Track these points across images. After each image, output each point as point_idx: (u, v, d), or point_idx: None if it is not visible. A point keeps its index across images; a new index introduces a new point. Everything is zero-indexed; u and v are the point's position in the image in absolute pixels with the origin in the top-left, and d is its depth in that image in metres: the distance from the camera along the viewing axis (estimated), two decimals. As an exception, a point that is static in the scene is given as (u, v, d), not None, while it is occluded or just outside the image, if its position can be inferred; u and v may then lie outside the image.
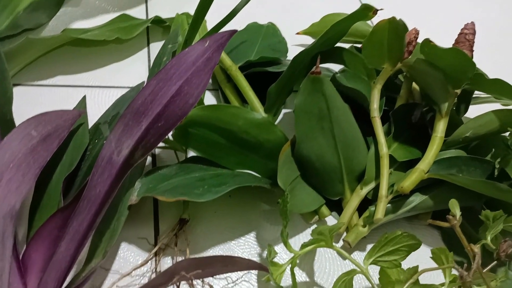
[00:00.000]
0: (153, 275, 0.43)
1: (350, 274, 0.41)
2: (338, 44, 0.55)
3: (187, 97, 0.44)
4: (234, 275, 0.43)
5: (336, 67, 0.64)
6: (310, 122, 0.47)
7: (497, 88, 0.50)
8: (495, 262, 0.43)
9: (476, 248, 0.35)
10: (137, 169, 0.45)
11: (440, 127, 0.50)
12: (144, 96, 0.42)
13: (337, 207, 0.51)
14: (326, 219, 0.50)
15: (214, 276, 0.42)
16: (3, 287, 0.34)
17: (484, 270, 0.41)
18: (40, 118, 0.45)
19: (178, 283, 0.39)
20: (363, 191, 0.49)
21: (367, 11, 0.49)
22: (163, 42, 0.65)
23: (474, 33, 0.53)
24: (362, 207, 0.49)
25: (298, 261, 0.46)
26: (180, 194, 0.42)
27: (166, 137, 0.48)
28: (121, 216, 0.42)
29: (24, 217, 0.42)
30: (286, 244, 0.41)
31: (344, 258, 0.47)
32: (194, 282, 0.41)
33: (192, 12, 0.66)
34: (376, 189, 0.49)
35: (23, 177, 0.39)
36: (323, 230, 0.41)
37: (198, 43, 0.46)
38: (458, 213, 0.37)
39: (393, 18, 0.46)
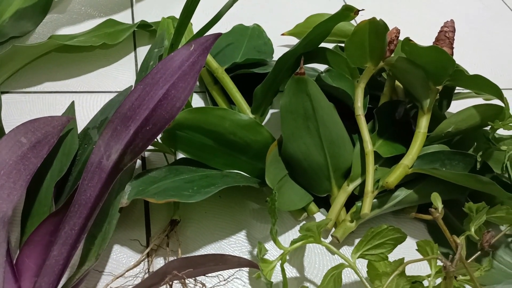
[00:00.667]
0: (146, 276, 0.44)
1: (338, 268, 0.43)
2: (323, 44, 0.56)
3: (174, 100, 0.45)
4: (225, 273, 0.44)
5: (321, 67, 0.65)
6: (295, 122, 0.48)
7: (477, 83, 0.51)
8: (479, 252, 0.45)
9: (459, 239, 0.36)
10: (127, 172, 0.46)
11: (423, 123, 0.51)
12: (131, 101, 0.43)
13: (325, 204, 0.52)
14: (315, 215, 0.51)
15: (206, 275, 0.43)
16: (-3, 293, 0.34)
17: (469, 261, 0.42)
18: (30, 125, 0.46)
19: (170, 283, 0.40)
20: (350, 187, 0.50)
21: (348, 12, 0.51)
22: (149, 46, 0.66)
23: (454, 31, 0.54)
24: (349, 203, 0.50)
25: (288, 258, 0.47)
26: (170, 196, 0.43)
27: (155, 140, 0.49)
28: (113, 219, 0.42)
29: (16, 223, 0.42)
30: (276, 241, 0.42)
31: (333, 253, 0.48)
32: (187, 281, 0.42)
33: (178, 16, 0.67)
34: (362, 185, 0.50)
35: (14, 184, 0.40)
36: (311, 227, 0.42)
37: (183, 47, 0.47)
38: (440, 206, 0.38)
39: (374, 19, 0.48)
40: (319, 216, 0.52)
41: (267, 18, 0.74)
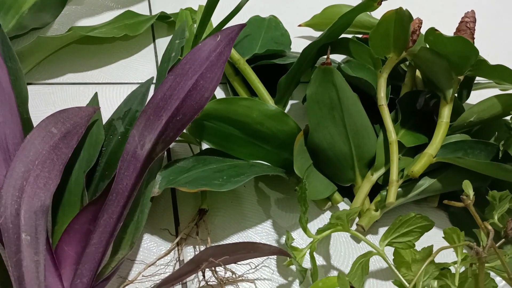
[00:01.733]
0: (177, 264, 0.44)
1: (366, 256, 0.43)
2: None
3: (202, 91, 0.45)
4: (255, 261, 0.45)
5: (338, 57, 0.65)
6: (321, 111, 0.49)
7: (499, 73, 0.52)
8: (503, 240, 0.45)
9: (490, 226, 0.37)
10: (156, 163, 0.46)
11: (445, 112, 0.52)
12: (163, 91, 0.43)
13: (348, 193, 0.52)
14: (338, 205, 0.52)
15: (237, 263, 0.43)
16: (39, 280, 0.35)
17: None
18: (59, 116, 0.46)
19: (203, 271, 0.40)
20: (374, 176, 0.50)
21: (372, 2, 0.51)
22: (168, 37, 0.67)
23: (474, 21, 0.54)
24: (372, 193, 0.51)
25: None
26: (201, 185, 0.43)
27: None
28: (144, 208, 0.43)
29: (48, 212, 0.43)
30: (306, 230, 0.43)
31: (359, 241, 0.49)
32: (217, 269, 0.43)
33: (194, 7, 0.68)
34: (386, 175, 0.51)
35: (49, 173, 0.40)
36: (341, 215, 0.42)
37: (210, 38, 0.47)
38: (471, 193, 0.39)
39: (400, 9, 0.48)
40: (342, 206, 0.52)
41: (283, 9, 0.75)
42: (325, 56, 0.56)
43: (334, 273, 0.47)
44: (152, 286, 0.39)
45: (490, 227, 0.37)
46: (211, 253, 0.38)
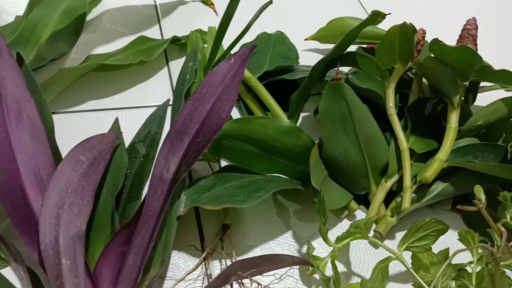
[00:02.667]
0: (205, 279, 0.46)
1: (386, 261, 0.45)
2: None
3: (220, 112, 0.48)
4: (279, 271, 0.47)
5: (344, 68, 0.68)
6: (334, 125, 0.51)
7: (504, 78, 0.54)
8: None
9: (502, 227, 0.39)
10: (180, 183, 0.49)
11: (453, 118, 0.54)
12: (183, 116, 0.46)
13: (364, 201, 0.54)
14: (355, 212, 0.54)
15: (262, 274, 0.45)
16: (80, 301, 0.37)
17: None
18: (86, 144, 0.49)
19: (231, 283, 0.43)
20: (388, 184, 0.52)
21: (376, 17, 0.53)
22: (180, 59, 0.69)
23: (476, 28, 0.56)
24: (387, 199, 0.53)
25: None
26: (224, 202, 0.45)
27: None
28: (172, 227, 0.45)
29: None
30: (326, 240, 0.45)
31: (377, 247, 0.51)
32: (244, 281, 0.45)
33: (202, 27, 0.70)
34: (399, 181, 0.53)
35: (81, 200, 0.43)
36: (360, 224, 0.44)
37: (223, 61, 0.50)
38: (483, 197, 0.41)
39: (404, 23, 0.50)
40: (358, 213, 0.54)
41: (288, 25, 0.77)
42: (335, 69, 0.59)
43: (356, 279, 0.49)
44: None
45: (502, 228, 0.39)
46: (238, 267, 0.40)
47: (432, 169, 0.50)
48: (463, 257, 0.48)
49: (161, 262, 0.43)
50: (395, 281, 0.49)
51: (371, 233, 0.52)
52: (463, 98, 0.58)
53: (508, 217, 0.49)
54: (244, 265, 0.41)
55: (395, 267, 0.49)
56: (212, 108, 0.47)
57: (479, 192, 0.41)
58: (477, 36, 0.57)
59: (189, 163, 0.45)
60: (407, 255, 0.47)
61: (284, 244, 0.51)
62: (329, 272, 0.47)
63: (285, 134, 0.51)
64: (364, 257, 0.50)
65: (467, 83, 0.54)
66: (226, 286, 0.44)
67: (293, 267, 0.48)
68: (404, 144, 0.52)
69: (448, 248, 0.43)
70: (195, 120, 0.46)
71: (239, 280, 0.45)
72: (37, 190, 0.42)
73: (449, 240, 0.49)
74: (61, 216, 0.40)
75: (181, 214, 0.46)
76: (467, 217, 0.55)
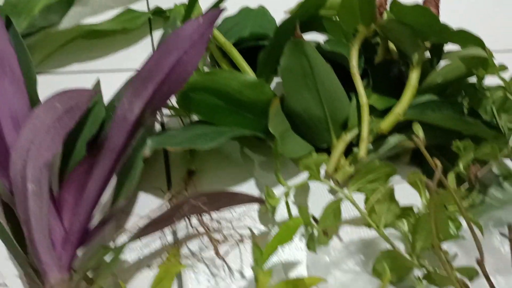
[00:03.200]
0: (169, 218, 0.50)
1: (337, 202, 0.48)
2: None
3: (186, 65, 0.51)
4: (239, 211, 0.50)
5: (320, 39, 0.70)
6: (295, 80, 0.54)
7: (461, 37, 0.56)
8: (468, 185, 0.49)
9: (437, 161, 0.41)
10: (148, 130, 0.52)
11: (413, 76, 0.56)
12: (149, 65, 0.49)
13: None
14: (318, 167, 0.57)
15: (221, 211, 0.48)
16: (44, 222, 0.41)
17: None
18: (63, 94, 0.53)
19: (188, 216, 0.46)
20: (348, 136, 0.55)
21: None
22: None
23: (439, -7, 0.59)
24: (346, 153, 0.55)
25: (294, 199, 0.52)
26: (185, 144, 0.49)
27: (173, 105, 0.56)
28: (137, 167, 0.49)
29: (55, 172, 0.49)
30: (279, 179, 0.48)
31: (333, 192, 0.54)
32: (204, 219, 0.48)
33: (189, 3, 0.74)
34: (359, 136, 0.55)
35: (52, 138, 0.47)
36: (310, 164, 0.47)
37: (192, 20, 0.53)
38: (421, 134, 0.43)
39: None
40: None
41: (271, 1, 0.80)
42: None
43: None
44: (142, 226, 0.44)
45: (438, 162, 0.41)
46: (193, 196, 0.44)
47: (388, 121, 0.53)
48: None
49: (126, 197, 0.46)
50: (350, 224, 0.51)
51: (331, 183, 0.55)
52: (428, 61, 0.61)
53: (461, 166, 0.51)
54: (199, 195, 0.44)
55: (349, 211, 0.52)
56: (178, 61, 0.50)
57: (417, 129, 0.43)
58: (439, 1, 0.59)
59: (154, 109, 0.49)
60: (361, 202, 0.49)
61: (248, 191, 0.53)
62: (284, 214, 0.50)
63: (248, 87, 0.54)
64: (322, 202, 0.53)
65: (428, 44, 0.57)
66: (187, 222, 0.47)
67: (253, 209, 0.51)
68: (364, 100, 0.55)
69: (392, 185, 0.46)
70: (160, 70, 0.49)
71: (199, 218, 0.48)
72: (12, 127, 0.46)
73: (409, 193, 0.51)
74: (31, 149, 0.44)
75: (146, 156, 0.49)
76: (427, 171, 0.57)
